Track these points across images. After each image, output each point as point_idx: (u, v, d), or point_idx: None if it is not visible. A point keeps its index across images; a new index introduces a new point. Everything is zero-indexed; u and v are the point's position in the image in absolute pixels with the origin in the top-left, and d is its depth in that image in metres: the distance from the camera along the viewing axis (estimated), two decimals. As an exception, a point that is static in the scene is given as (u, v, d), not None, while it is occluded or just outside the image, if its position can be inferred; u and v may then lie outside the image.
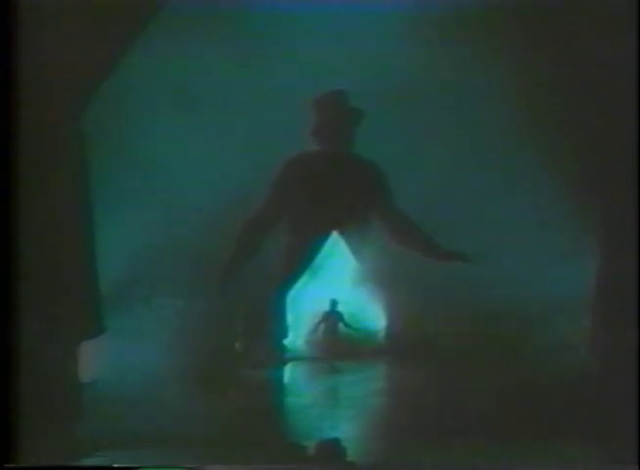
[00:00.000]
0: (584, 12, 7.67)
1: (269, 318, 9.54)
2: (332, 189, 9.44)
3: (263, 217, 9.46)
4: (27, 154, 7.00)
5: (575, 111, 8.18)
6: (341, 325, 9.78)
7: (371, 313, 9.74)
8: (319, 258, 9.60)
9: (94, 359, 8.02)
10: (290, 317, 9.67)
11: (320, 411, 7.94)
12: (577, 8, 7.70)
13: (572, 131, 8.38)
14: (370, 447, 6.95)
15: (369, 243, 9.43)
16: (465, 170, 9.09)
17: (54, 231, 7.23)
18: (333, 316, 9.79)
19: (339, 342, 9.71)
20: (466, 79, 8.96)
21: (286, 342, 9.64)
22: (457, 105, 9.08)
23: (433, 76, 8.93)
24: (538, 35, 8.18)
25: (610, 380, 7.49)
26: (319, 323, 9.78)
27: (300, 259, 9.52)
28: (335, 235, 9.63)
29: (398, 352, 9.38)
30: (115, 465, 6.40)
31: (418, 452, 6.67)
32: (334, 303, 9.78)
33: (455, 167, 9.09)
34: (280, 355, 9.51)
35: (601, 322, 8.01)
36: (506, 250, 8.82)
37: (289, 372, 9.35)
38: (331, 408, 8.24)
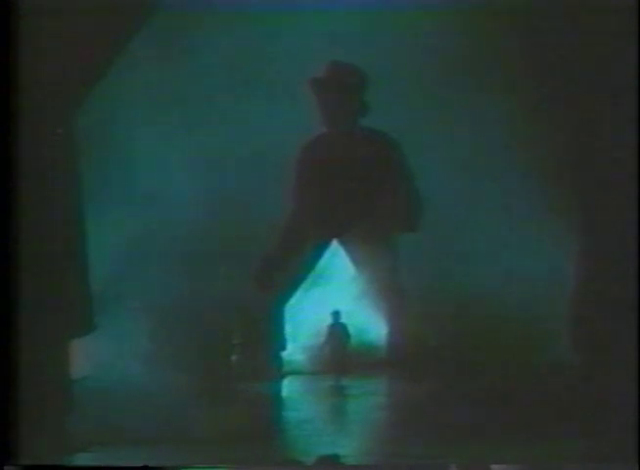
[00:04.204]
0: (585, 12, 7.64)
1: (267, 329, 9.34)
2: (342, 182, 9.22)
3: (295, 217, 9.29)
4: (22, 155, 6.99)
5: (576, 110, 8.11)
6: (345, 339, 9.52)
7: (373, 325, 9.53)
8: (319, 267, 9.38)
9: (86, 357, 8.04)
10: (288, 328, 9.44)
11: (319, 426, 7.78)
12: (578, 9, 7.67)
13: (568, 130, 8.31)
14: (370, 463, 6.81)
15: (371, 251, 9.23)
16: (455, 167, 8.97)
17: (45, 230, 7.18)
18: (337, 329, 9.54)
19: (345, 355, 9.48)
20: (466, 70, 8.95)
21: (284, 354, 9.41)
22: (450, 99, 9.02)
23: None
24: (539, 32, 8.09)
25: (609, 378, 7.45)
26: (326, 337, 9.52)
27: (300, 268, 9.32)
28: (335, 243, 9.40)
29: (401, 365, 9.18)
30: (114, 465, 6.44)
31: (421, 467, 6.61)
32: (336, 314, 9.52)
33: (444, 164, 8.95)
34: (278, 368, 9.30)
35: (598, 321, 7.92)
36: (507, 258, 8.71)
37: (287, 385, 9.17)
38: (330, 423, 8.13)
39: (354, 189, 9.23)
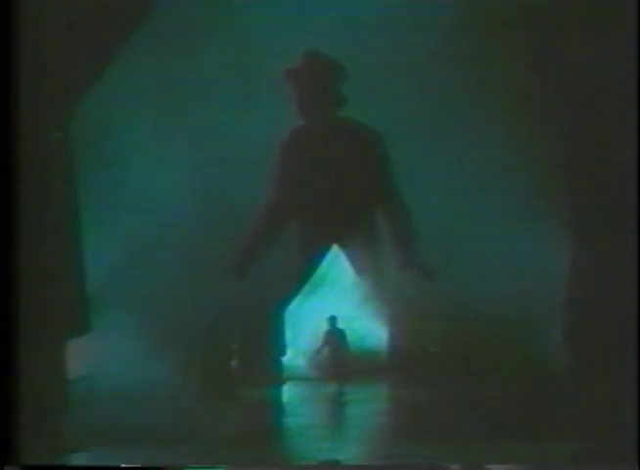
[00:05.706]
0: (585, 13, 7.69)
1: (267, 335, 9.32)
2: (322, 177, 9.17)
3: (273, 205, 9.23)
4: (21, 158, 6.97)
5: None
6: (343, 344, 9.49)
7: (373, 331, 9.53)
8: (319, 272, 9.38)
9: (84, 359, 8.06)
10: (288, 334, 9.44)
11: (320, 432, 7.75)
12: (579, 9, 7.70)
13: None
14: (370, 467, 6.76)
15: (370, 256, 9.20)
16: (446, 163, 9.00)
17: (43, 233, 7.20)
18: (335, 335, 9.52)
19: (342, 361, 9.43)
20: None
21: (284, 359, 9.42)
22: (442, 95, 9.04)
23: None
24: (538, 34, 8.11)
25: (609, 379, 7.43)
26: (323, 343, 9.50)
27: (299, 274, 9.30)
28: (335, 248, 9.37)
29: (400, 370, 9.19)
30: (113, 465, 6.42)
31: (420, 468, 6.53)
32: (333, 320, 9.51)
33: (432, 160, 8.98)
34: (278, 374, 9.29)
35: (598, 323, 7.91)
36: (506, 263, 8.67)
37: (287, 391, 9.17)
38: (331, 428, 8.10)
39: (336, 185, 9.17)
